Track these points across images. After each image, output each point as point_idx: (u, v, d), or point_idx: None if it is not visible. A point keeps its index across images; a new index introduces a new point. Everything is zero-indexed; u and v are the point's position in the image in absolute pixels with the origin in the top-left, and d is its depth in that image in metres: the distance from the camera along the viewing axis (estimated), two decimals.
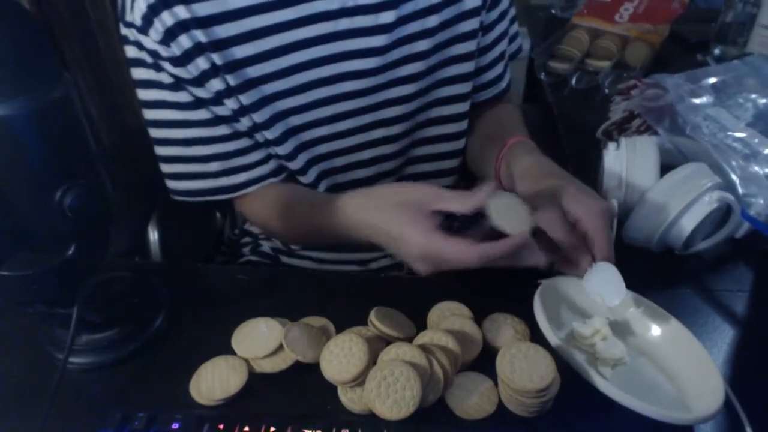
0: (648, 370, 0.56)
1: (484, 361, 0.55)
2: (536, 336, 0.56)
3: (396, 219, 0.59)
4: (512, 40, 0.85)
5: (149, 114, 0.71)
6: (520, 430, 0.52)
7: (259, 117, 0.70)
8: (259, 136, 0.72)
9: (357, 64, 0.71)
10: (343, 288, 0.67)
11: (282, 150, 0.73)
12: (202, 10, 0.64)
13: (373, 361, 0.54)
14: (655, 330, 0.59)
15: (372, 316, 0.57)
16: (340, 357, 0.53)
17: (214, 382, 0.55)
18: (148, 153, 0.75)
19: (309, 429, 0.51)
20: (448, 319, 0.59)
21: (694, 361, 0.55)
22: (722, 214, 0.69)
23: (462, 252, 0.56)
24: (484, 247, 0.55)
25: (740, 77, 0.91)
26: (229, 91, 0.67)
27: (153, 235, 0.94)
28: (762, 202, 0.71)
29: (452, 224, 0.69)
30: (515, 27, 0.85)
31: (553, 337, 0.53)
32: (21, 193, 0.49)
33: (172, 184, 0.75)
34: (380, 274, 0.83)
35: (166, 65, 0.65)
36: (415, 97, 0.76)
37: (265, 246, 0.91)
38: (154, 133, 0.72)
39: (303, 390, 0.55)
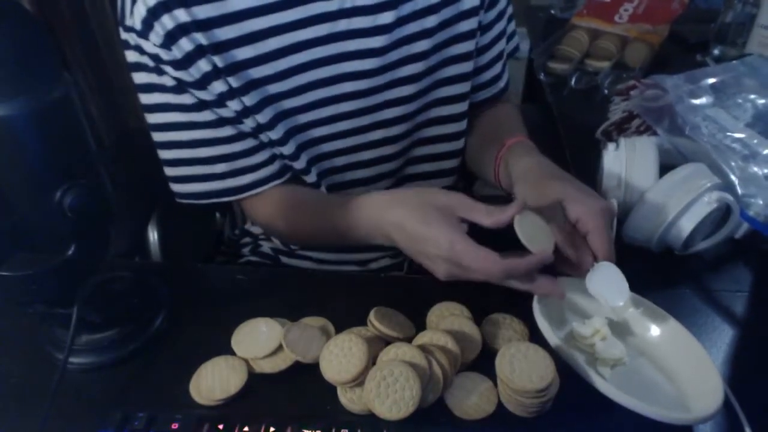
0: (647, 370, 0.56)
1: (484, 362, 0.55)
2: (535, 336, 0.56)
3: (424, 218, 0.59)
4: (510, 38, 0.85)
5: (152, 118, 0.70)
6: (520, 430, 0.52)
7: (262, 118, 0.70)
8: (264, 137, 0.72)
9: (356, 65, 0.71)
10: (343, 288, 0.67)
11: (286, 150, 0.73)
12: (202, 12, 0.63)
13: (372, 361, 0.54)
14: (655, 330, 0.59)
15: (371, 316, 0.57)
16: (339, 357, 0.53)
17: (214, 382, 0.55)
18: (148, 153, 0.74)
19: (309, 429, 0.51)
20: (448, 319, 0.59)
21: (693, 361, 0.55)
22: (721, 215, 0.69)
23: (489, 262, 0.56)
24: (510, 262, 0.55)
25: (739, 78, 0.91)
26: (232, 93, 0.67)
27: (153, 235, 0.94)
28: (761, 202, 0.71)
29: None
30: (513, 25, 0.85)
31: (552, 338, 0.53)
32: (21, 193, 0.49)
33: (177, 187, 0.75)
34: (380, 275, 0.82)
35: (168, 69, 0.65)
36: (415, 97, 0.76)
37: (265, 246, 0.91)
38: (158, 136, 0.72)
39: (303, 390, 0.55)
